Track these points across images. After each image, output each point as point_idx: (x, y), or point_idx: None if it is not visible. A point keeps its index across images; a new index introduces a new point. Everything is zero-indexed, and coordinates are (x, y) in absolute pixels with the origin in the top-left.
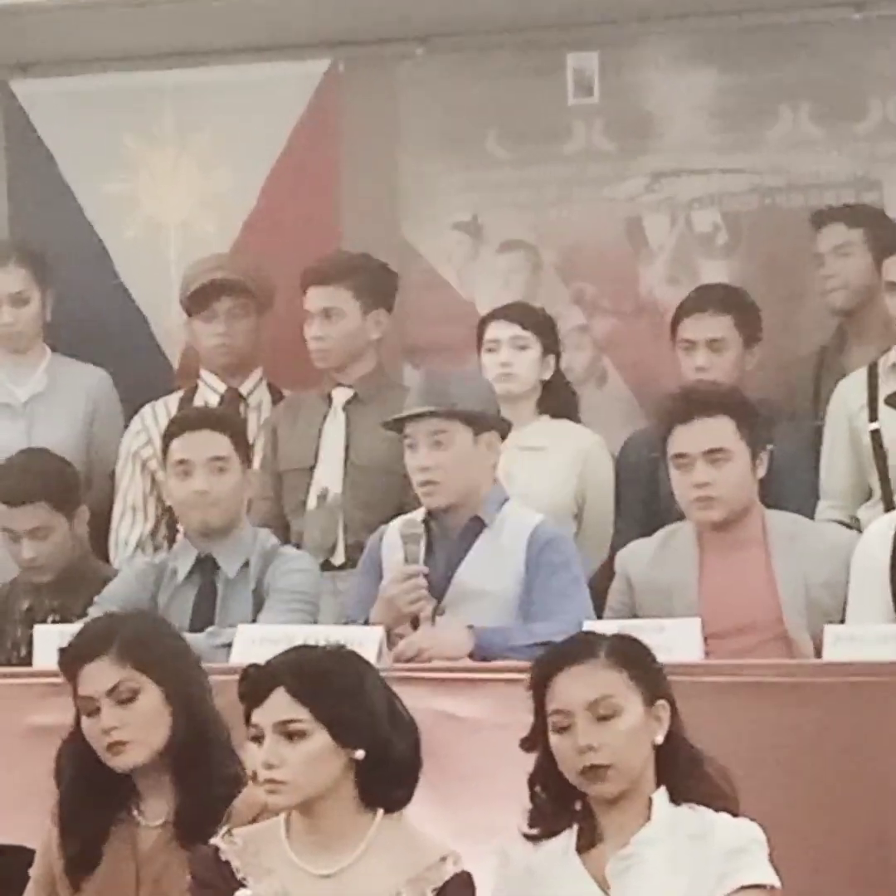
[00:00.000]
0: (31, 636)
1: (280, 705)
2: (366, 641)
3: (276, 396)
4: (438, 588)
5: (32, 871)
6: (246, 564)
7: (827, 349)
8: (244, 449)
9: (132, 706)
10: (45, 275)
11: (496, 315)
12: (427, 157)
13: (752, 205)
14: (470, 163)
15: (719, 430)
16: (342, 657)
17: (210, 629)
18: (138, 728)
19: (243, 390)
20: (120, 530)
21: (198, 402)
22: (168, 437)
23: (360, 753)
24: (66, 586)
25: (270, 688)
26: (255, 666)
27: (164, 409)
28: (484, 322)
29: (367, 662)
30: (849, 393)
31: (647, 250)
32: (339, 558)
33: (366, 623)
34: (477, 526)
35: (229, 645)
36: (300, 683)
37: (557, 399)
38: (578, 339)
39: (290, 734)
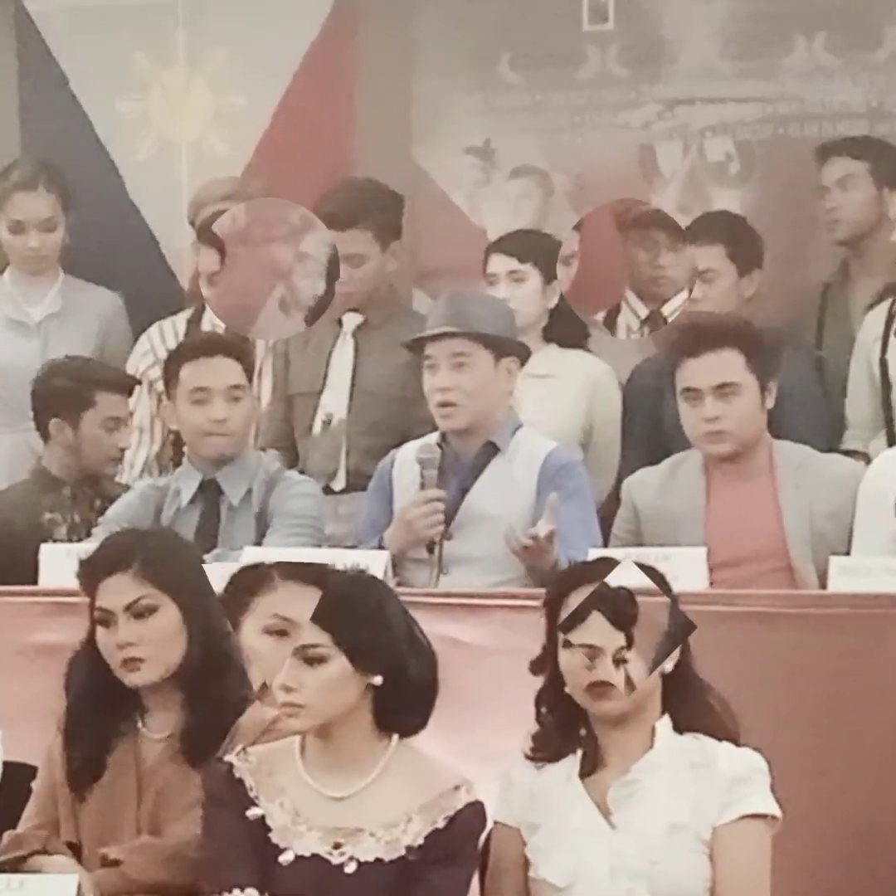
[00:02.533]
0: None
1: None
2: (372, 565)
3: None
4: (449, 512)
5: (34, 785)
6: (250, 490)
7: (831, 282)
8: (251, 375)
9: (149, 622)
10: (68, 198)
11: (495, 248)
12: (441, 80)
13: (765, 134)
14: (483, 87)
15: (728, 364)
16: (364, 583)
17: (216, 551)
18: (155, 645)
19: None
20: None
21: (205, 324)
22: (178, 360)
23: (378, 679)
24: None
25: None
26: None
27: (171, 330)
28: (486, 253)
29: (388, 588)
30: (870, 324)
31: (659, 178)
32: (339, 483)
33: (379, 546)
34: (490, 451)
35: None
36: (322, 608)
37: (565, 327)
38: None
39: (310, 659)
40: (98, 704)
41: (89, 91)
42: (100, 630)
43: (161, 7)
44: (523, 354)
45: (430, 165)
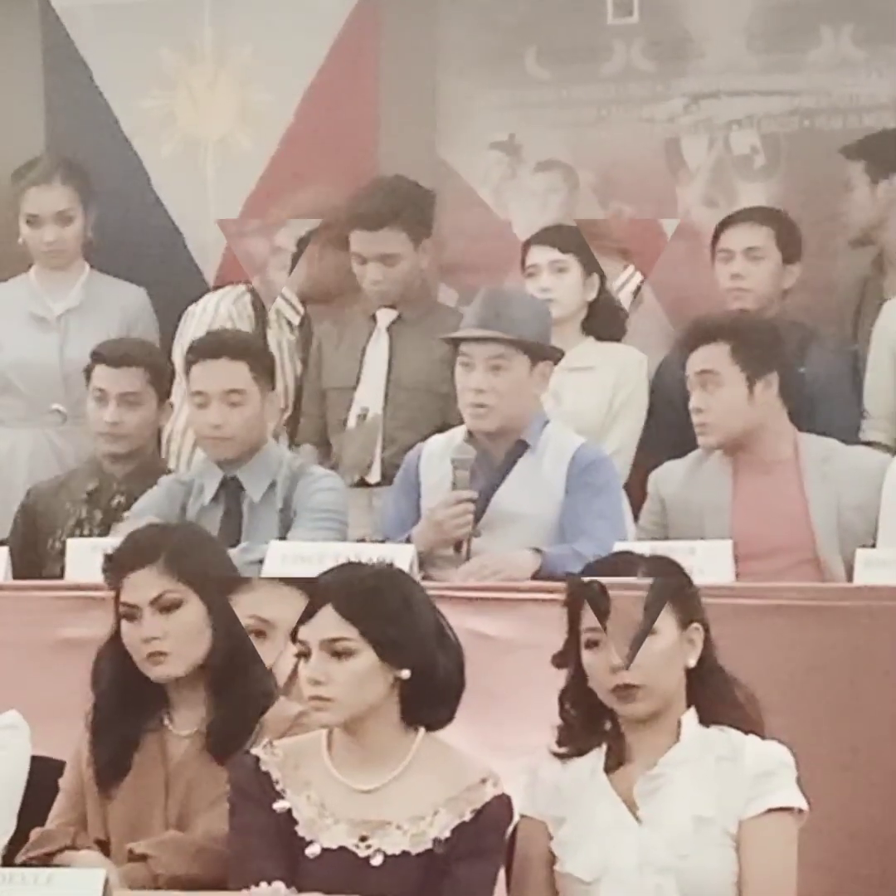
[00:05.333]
0: (94, 516)
1: (328, 623)
2: (397, 559)
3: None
4: (477, 510)
5: (62, 782)
6: (272, 486)
7: (869, 276)
8: (265, 374)
9: (174, 616)
10: (88, 192)
11: (536, 239)
12: (465, 75)
13: (791, 127)
14: (508, 82)
15: (713, 355)
16: (391, 576)
17: (243, 545)
18: (179, 640)
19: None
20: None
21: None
22: (189, 360)
23: (405, 673)
24: (136, 473)
25: (319, 605)
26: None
27: (213, 307)
28: (525, 246)
29: (415, 582)
30: (890, 315)
31: (685, 171)
32: (374, 477)
33: (406, 541)
34: (520, 449)
35: (261, 561)
36: (349, 602)
37: (603, 320)
38: None
39: (337, 652)
40: (124, 701)
41: (115, 87)
42: (125, 624)
43: (187, 3)
44: (557, 357)
45: (455, 160)
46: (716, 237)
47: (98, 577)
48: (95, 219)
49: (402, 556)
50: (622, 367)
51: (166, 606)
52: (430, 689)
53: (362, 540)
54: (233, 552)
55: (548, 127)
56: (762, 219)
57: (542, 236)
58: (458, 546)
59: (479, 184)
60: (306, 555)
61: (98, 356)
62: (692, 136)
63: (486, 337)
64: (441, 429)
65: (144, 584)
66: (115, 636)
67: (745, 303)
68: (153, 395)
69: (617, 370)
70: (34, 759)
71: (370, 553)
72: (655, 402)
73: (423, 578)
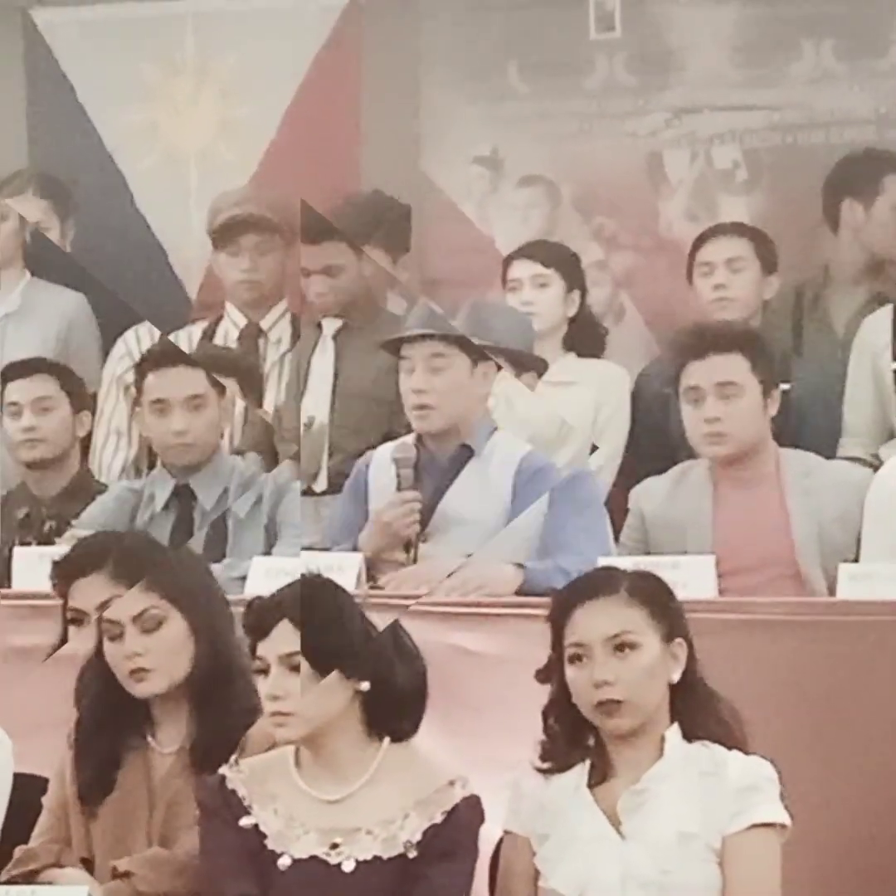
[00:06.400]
0: (29, 544)
1: (285, 638)
2: (345, 567)
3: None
4: (425, 515)
5: (45, 800)
6: (224, 493)
7: (806, 285)
8: (218, 380)
9: (157, 634)
10: (65, 205)
11: (518, 254)
12: (448, 89)
13: (772, 141)
14: (491, 96)
15: (732, 366)
16: (345, 590)
17: (227, 561)
18: (162, 656)
19: (264, 324)
20: (103, 456)
21: (220, 334)
22: (142, 370)
23: (365, 685)
24: (64, 495)
25: (275, 620)
26: (259, 598)
27: (147, 335)
28: (507, 261)
29: (346, 592)
30: (874, 331)
31: (667, 186)
32: (321, 485)
33: (353, 548)
34: (465, 454)
35: (245, 577)
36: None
37: (584, 336)
38: (597, 275)
39: (296, 666)
40: (108, 718)
41: (97, 101)
42: (107, 643)
43: (169, 17)
44: (539, 367)
45: (437, 175)
46: (693, 253)
47: (45, 585)
48: (75, 231)
49: (349, 565)
50: (603, 385)
51: (149, 626)
52: (391, 700)
53: (310, 548)
54: (216, 568)
55: (530, 141)
56: (739, 231)
57: (525, 250)
58: (407, 547)
59: (461, 198)
60: (289, 569)
61: (6, 374)
62: (674, 150)
63: (422, 335)
64: (388, 436)
65: (128, 603)
66: (98, 653)
67: (730, 313)
68: (66, 402)
69: (598, 387)
70: (17, 776)
71: (317, 562)
72: (634, 416)
73: (371, 585)
